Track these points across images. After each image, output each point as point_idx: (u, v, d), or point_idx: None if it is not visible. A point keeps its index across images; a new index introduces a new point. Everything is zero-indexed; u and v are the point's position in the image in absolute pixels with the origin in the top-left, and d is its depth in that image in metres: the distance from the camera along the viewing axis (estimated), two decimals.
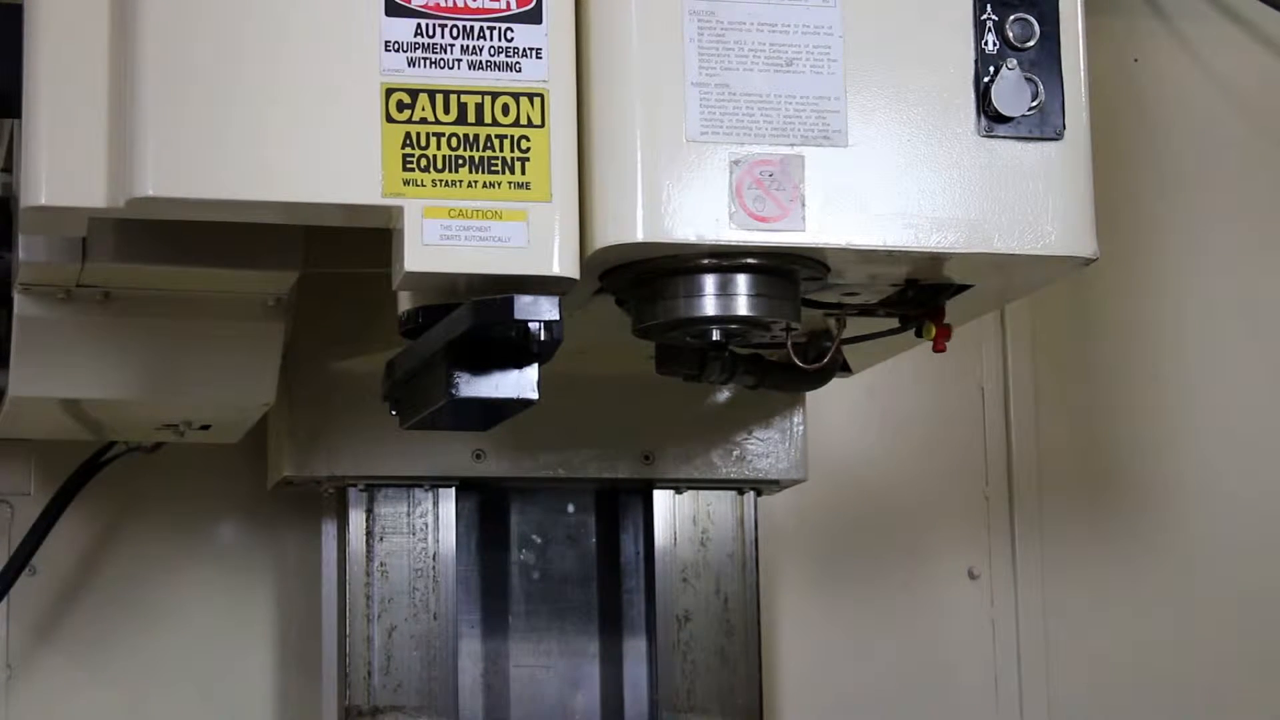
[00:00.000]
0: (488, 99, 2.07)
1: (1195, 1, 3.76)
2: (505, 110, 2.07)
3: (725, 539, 3.04)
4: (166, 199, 1.99)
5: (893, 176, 2.15)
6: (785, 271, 2.20)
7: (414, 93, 2.05)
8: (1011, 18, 2.20)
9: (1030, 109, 2.18)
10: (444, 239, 2.04)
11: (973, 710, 3.52)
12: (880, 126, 2.16)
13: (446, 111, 2.06)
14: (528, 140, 2.07)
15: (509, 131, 2.07)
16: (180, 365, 2.59)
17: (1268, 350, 3.72)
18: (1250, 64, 3.77)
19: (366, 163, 2.03)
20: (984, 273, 2.29)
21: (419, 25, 2.06)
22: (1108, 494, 3.62)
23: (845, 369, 2.65)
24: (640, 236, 2.09)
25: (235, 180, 2.00)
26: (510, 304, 2.05)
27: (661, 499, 3.02)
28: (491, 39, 2.08)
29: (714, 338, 2.26)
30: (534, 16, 2.09)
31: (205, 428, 2.83)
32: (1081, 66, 2.22)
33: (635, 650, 3.08)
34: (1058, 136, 2.20)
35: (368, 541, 2.93)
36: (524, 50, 2.08)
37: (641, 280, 2.21)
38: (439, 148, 2.05)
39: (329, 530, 3.11)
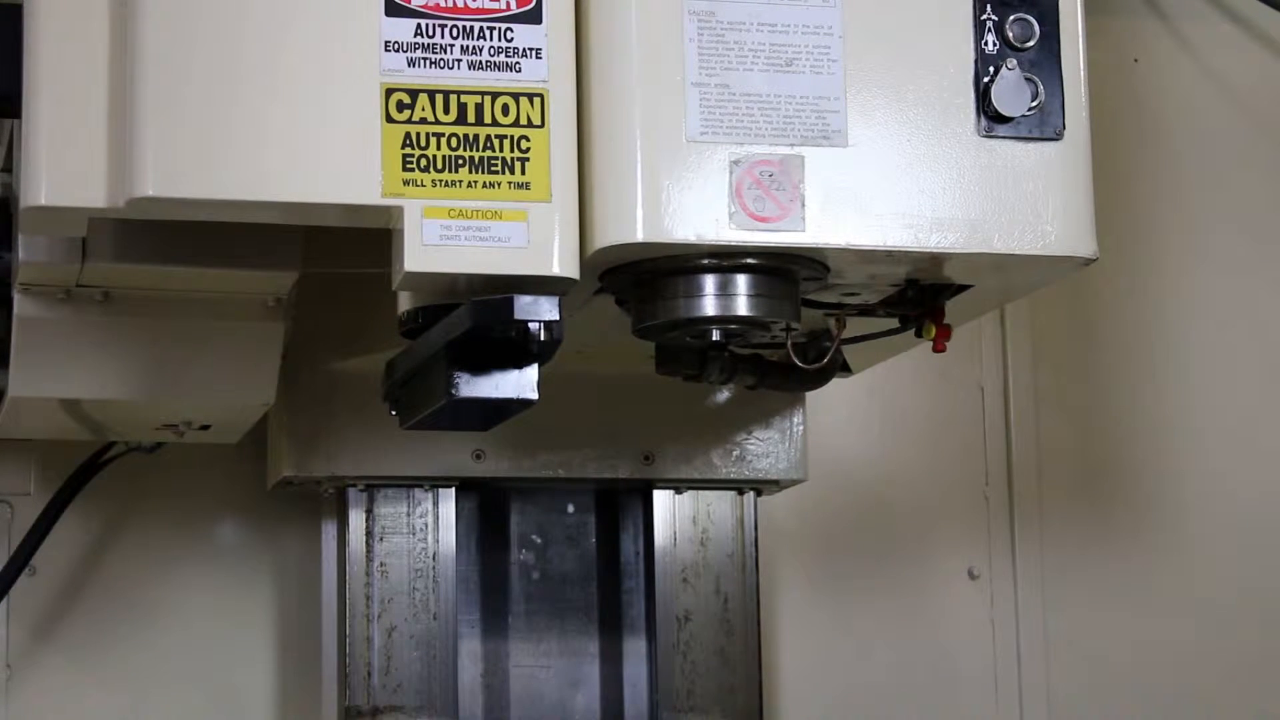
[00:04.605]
0: (487, 99, 2.07)
1: (1195, 1, 3.76)
2: (505, 110, 2.07)
3: (725, 539, 3.03)
4: (166, 199, 1.99)
5: (893, 176, 2.15)
6: (785, 271, 2.20)
7: (414, 93, 2.05)
8: (1011, 18, 2.20)
9: (1030, 109, 2.18)
10: (444, 239, 2.04)
11: (973, 710, 3.52)
12: (880, 126, 2.16)
13: (446, 111, 2.06)
14: (527, 140, 2.07)
15: (509, 131, 2.07)
16: (180, 365, 2.59)
17: (1268, 350, 3.72)
18: (1250, 64, 3.76)
19: (366, 163, 2.03)
20: (984, 273, 2.29)
21: (419, 25, 2.06)
22: (1108, 494, 3.62)
23: (845, 369, 2.65)
24: (640, 237, 2.09)
25: (235, 180, 2.00)
26: (510, 304, 2.05)
27: (661, 499, 3.02)
28: (491, 39, 2.08)
29: (714, 338, 2.26)
30: (534, 16, 2.09)
31: (205, 428, 2.83)
32: (1081, 66, 2.22)
33: (635, 650, 3.08)
34: (1057, 137, 2.20)
35: (367, 541, 2.93)
36: (524, 50, 2.08)
37: (641, 280, 2.21)
38: (439, 148, 2.05)
39: (329, 530, 3.12)
